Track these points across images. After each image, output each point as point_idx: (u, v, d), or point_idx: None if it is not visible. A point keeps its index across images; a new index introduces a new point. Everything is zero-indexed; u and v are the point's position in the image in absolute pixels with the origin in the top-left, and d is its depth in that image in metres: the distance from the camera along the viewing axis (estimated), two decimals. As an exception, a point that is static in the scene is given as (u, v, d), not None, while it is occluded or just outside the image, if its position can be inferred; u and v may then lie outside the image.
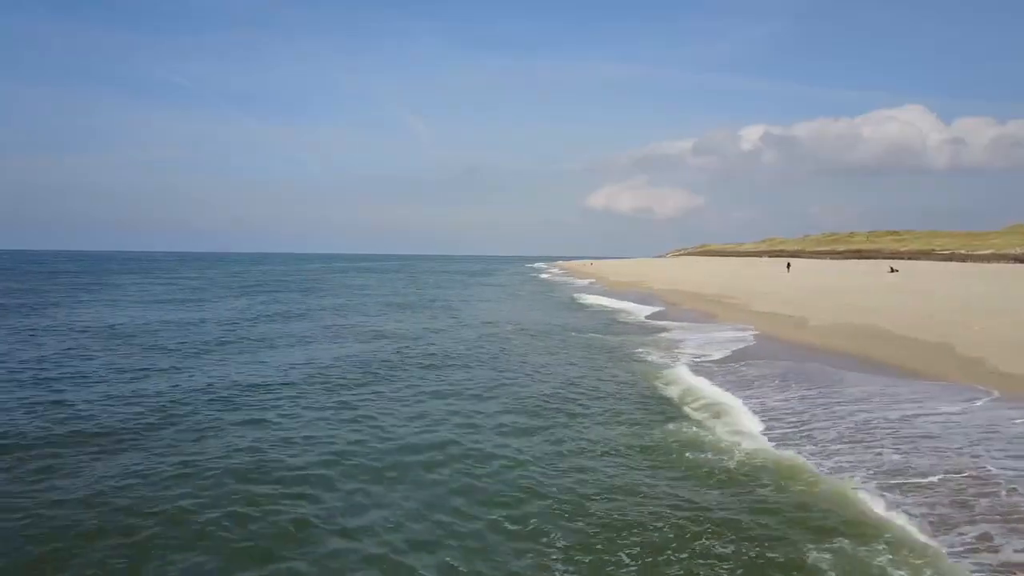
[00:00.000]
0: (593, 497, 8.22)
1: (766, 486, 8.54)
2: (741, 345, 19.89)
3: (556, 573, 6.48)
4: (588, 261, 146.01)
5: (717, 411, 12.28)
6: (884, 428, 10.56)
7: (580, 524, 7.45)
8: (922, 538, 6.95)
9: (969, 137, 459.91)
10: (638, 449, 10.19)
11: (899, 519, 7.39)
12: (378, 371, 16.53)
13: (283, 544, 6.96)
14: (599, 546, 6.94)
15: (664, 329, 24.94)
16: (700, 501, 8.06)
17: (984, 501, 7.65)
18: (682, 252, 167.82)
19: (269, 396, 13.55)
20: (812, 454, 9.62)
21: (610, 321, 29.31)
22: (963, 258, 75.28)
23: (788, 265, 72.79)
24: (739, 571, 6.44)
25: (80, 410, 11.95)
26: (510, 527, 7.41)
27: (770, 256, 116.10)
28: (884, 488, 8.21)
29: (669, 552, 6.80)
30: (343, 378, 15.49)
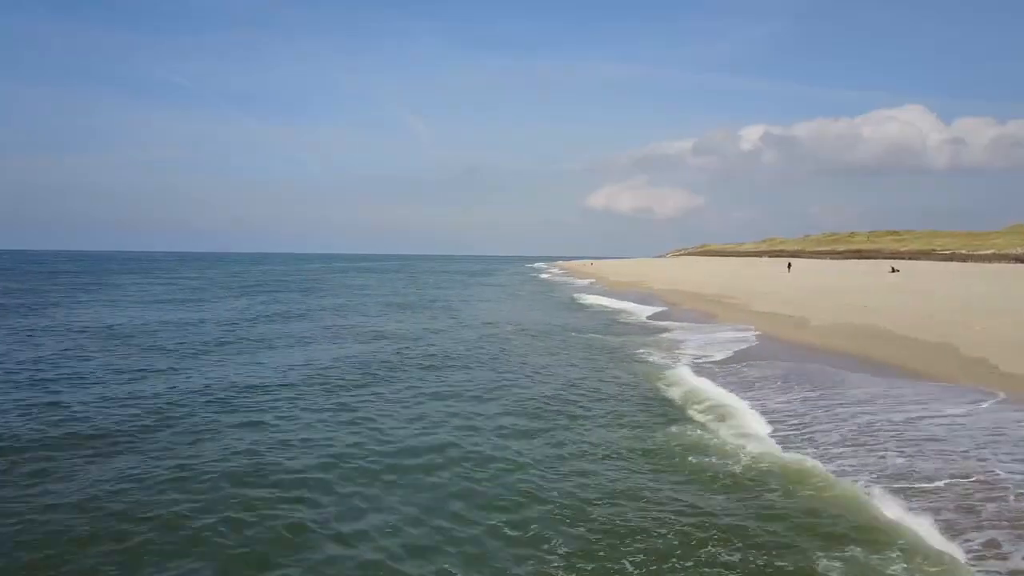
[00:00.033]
0: (595, 502, 8.09)
1: (773, 491, 8.38)
2: (743, 346, 19.78)
3: (557, 580, 6.35)
4: (588, 261, 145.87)
5: (721, 413, 12.14)
6: (888, 431, 10.42)
7: (582, 530, 7.32)
8: (937, 545, 6.77)
9: (969, 137, 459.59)
10: (641, 452, 10.06)
11: (913, 524, 7.21)
12: (377, 372, 16.41)
13: (279, 550, 6.84)
14: (601, 553, 6.80)
15: (665, 330, 24.83)
16: (705, 506, 7.92)
17: (991, 506, 7.49)
18: (682, 252, 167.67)
19: (267, 398, 13.43)
20: (813, 457, 9.47)
21: (610, 321, 29.20)
22: (964, 258, 75.17)
23: (789, 265, 72.73)
24: (745, 579, 6.30)
25: (76, 412, 11.83)
26: (510, 533, 7.29)
27: (770, 256, 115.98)
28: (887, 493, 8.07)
29: (674, 560, 6.66)
30: (342, 379, 15.37)
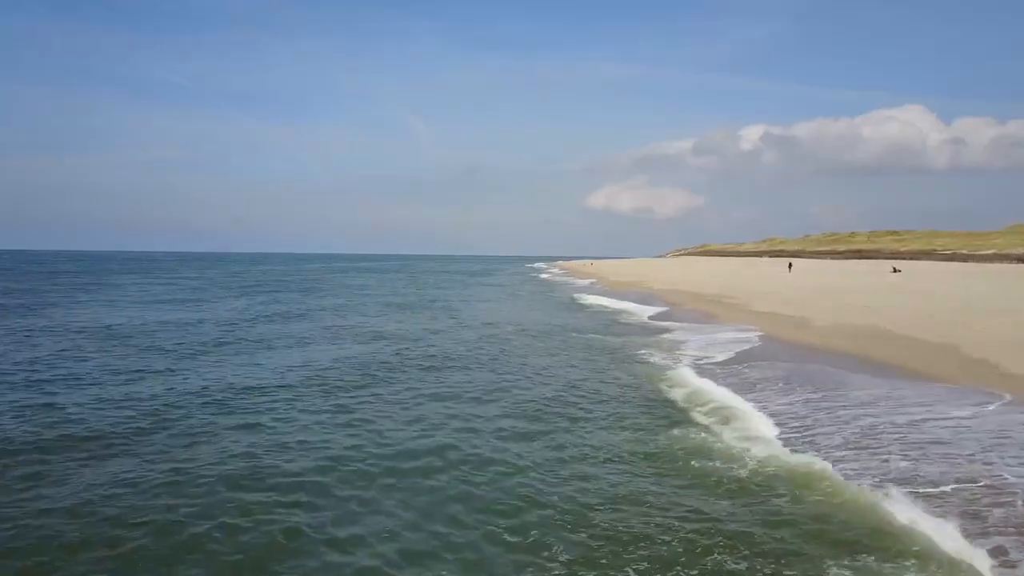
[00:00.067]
0: (596, 507, 7.95)
1: (781, 495, 8.22)
2: (745, 347, 19.64)
3: (558, 588, 6.22)
4: (588, 261, 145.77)
5: (725, 415, 12.01)
6: (891, 433, 10.26)
7: (583, 536, 7.19)
8: (954, 553, 6.60)
9: (969, 137, 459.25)
10: (643, 455, 9.92)
11: (928, 530, 7.02)
12: (376, 373, 16.29)
13: (273, 556, 6.72)
14: (603, 560, 6.66)
15: (666, 330, 24.70)
16: (710, 512, 7.78)
17: (998, 512, 7.32)
18: (682, 252, 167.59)
19: (265, 399, 13.31)
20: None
21: (611, 322, 29.08)
22: (965, 258, 75.09)
23: (790, 265, 72.68)
24: (752, 588, 6.16)
25: (70, 414, 11.71)
26: (509, 538, 7.15)
27: (770, 256, 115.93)
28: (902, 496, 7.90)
29: (678, 567, 6.52)
30: (341, 380, 15.25)
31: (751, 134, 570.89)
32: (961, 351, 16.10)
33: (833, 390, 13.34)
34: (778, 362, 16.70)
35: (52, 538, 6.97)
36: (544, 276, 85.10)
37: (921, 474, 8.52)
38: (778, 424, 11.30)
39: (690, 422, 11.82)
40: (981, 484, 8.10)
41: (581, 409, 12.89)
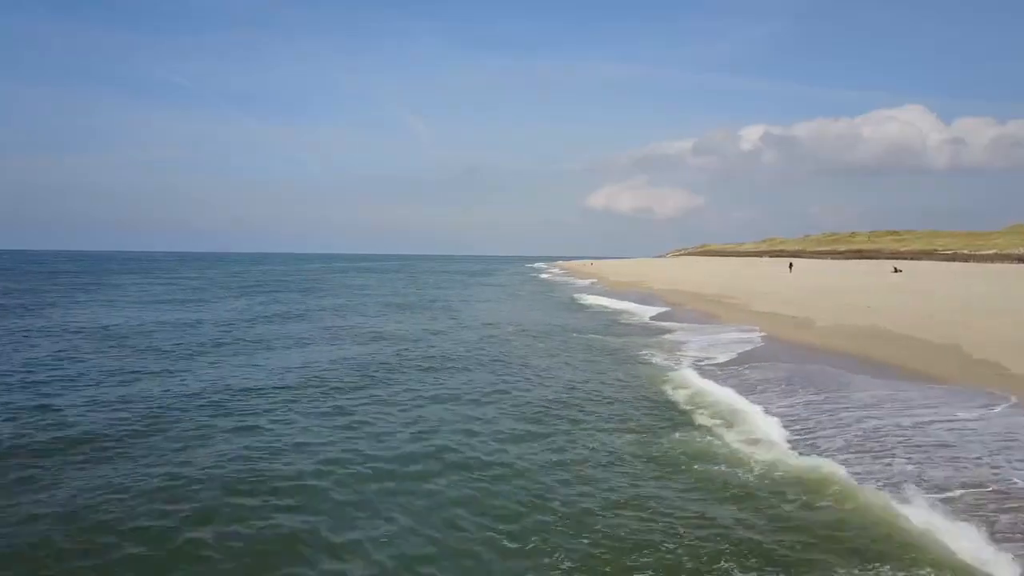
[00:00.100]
0: (598, 512, 7.80)
1: (790, 501, 8.03)
2: (746, 347, 19.50)
3: (559, 596, 6.10)
4: (588, 261, 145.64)
5: (728, 417, 11.87)
6: (895, 436, 10.12)
7: (585, 542, 7.05)
8: (972, 561, 6.45)
9: (969, 137, 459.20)
10: (646, 459, 9.77)
11: (946, 538, 6.84)
12: (376, 374, 16.16)
13: (269, 562, 6.58)
14: (606, 568, 6.51)
15: (667, 330, 24.57)
16: (716, 517, 7.61)
17: (1005, 518, 7.16)
18: (682, 252, 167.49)
19: (262, 401, 13.17)
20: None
21: (611, 322, 28.95)
22: (966, 258, 74.97)
23: (790, 265, 72.56)
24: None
25: (65, 416, 11.57)
26: (509, 544, 7.02)
27: (770, 256, 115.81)
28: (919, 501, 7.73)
29: (684, 575, 6.39)
30: (340, 381, 15.12)
31: (751, 134, 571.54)
32: (962, 351, 16.00)
33: (835, 391, 13.21)
34: (780, 363, 16.57)
35: (44, 544, 6.82)
36: (544, 276, 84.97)
37: (927, 478, 8.37)
38: (783, 426, 11.16)
39: (693, 424, 11.68)
40: (990, 489, 7.96)
41: (582, 411, 12.75)
